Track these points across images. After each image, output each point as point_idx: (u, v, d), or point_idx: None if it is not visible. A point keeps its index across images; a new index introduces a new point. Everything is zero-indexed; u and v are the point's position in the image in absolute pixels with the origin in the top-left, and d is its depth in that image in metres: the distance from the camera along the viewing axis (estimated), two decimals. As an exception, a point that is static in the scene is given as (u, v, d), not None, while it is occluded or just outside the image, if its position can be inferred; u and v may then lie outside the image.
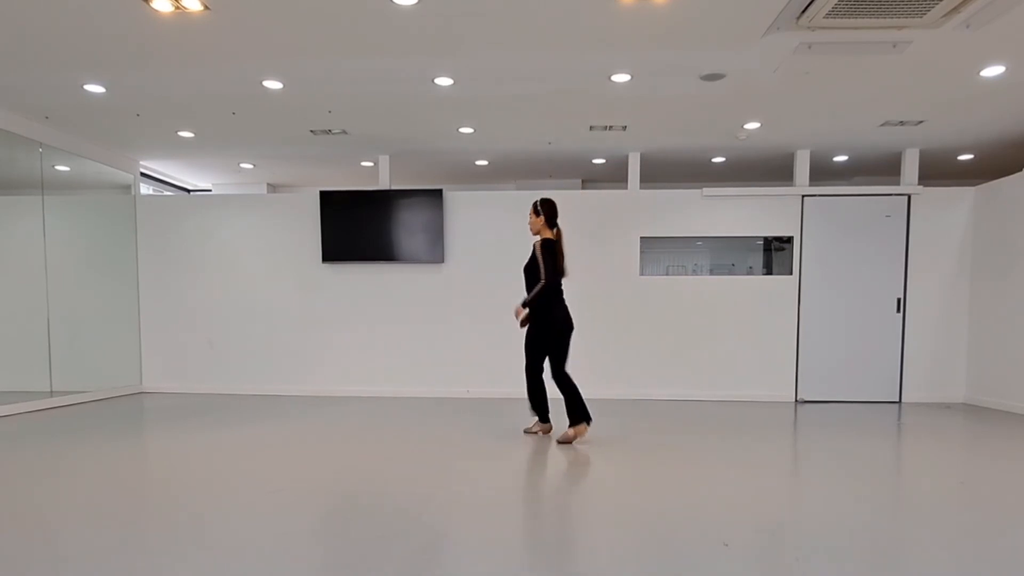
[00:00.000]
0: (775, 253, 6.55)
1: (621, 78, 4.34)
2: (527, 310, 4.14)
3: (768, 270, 6.61)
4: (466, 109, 5.02)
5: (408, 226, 6.28)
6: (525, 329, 4.28)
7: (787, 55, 3.92)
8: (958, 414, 5.51)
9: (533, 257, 4.15)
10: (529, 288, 4.17)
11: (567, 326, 4.12)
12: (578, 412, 4.14)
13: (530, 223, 4.19)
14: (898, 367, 6.18)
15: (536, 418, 4.43)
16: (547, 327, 4.11)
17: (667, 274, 6.55)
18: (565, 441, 4.15)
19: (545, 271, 4.02)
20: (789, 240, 6.26)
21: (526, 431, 4.45)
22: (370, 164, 6.87)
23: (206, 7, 3.33)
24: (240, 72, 4.27)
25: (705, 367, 6.24)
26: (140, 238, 6.63)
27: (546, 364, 4.21)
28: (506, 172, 7.29)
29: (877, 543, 2.41)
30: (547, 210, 4.16)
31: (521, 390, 6.43)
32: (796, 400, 6.21)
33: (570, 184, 7.57)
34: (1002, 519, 2.70)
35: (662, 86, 4.50)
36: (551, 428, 4.41)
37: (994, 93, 4.59)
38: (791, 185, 6.30)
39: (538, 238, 4.16)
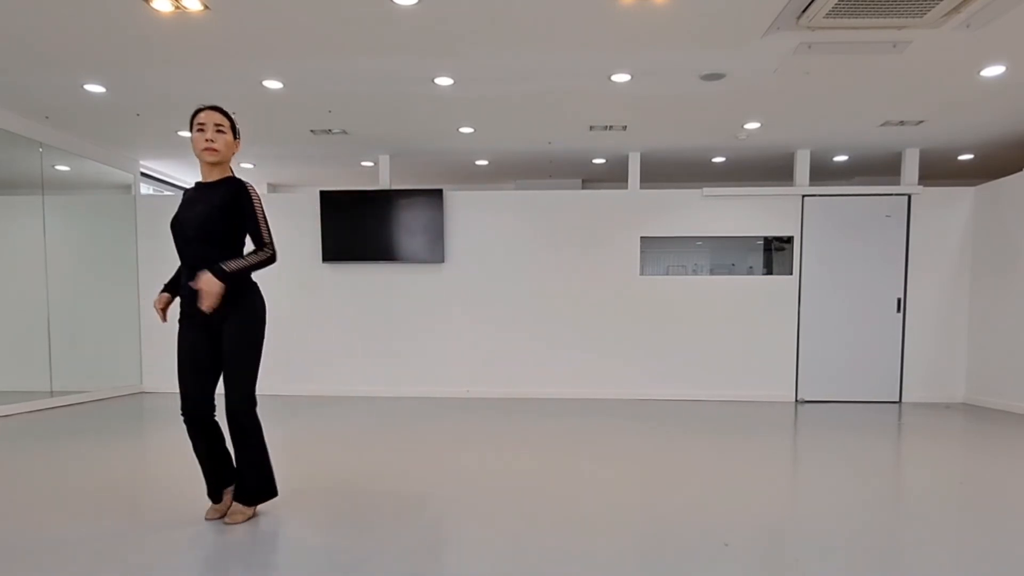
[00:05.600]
0: (775, 253, 6.55)
1: (621, 78, 4.34)
2: (214, 286, 2.37)
3: (768, 270, 6.61)
4: (466, 109, 5.02)
5: (408, 226, 6.28)
6: (203, 336, 2.53)
7: (787, 55, 3.92)
8: (958, 414, 5.51)
9: (226, 208, 2.48)
10: (202, 257, 2.44)
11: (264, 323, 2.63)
12: (269, 477, 2.67)
13: (222, 144, 2.51)
14: (898, 367, 6.18)
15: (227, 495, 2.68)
16: (257, 325, 2.57)
17: (667, 274, 6.55)
18: (240, 519, 2.61)
19: (269, 234, 2.54)
20: (789, 240, 6.26)
21: (209, 517, 2.65)
22: (370, 164, 6.87)
23: (206, 7, 3.33)
24: (240, 72, 4.27)
25: (705, 367, 6.24)
26: (140, 238, 6.63)
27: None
28: (506, 172, 7.29)
29: (877, 543, 2.41)
30: (236, 130, 2.63)
31: (521, 390, 6.51)
32: (796, 400, 6.21)
33: (570, 184, 7.57)
34: (1002, 519, 2.70)
35: (662, 86, 4.50)
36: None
37: (994, 93, 4.59)
38: (791, 185, 6.30)
39: (244, 183, 2.54)
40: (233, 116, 2.61)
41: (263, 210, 2.54)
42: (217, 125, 2.50)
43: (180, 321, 2.56)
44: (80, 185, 6.17)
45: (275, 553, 2.28)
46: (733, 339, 6.22)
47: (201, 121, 2.49)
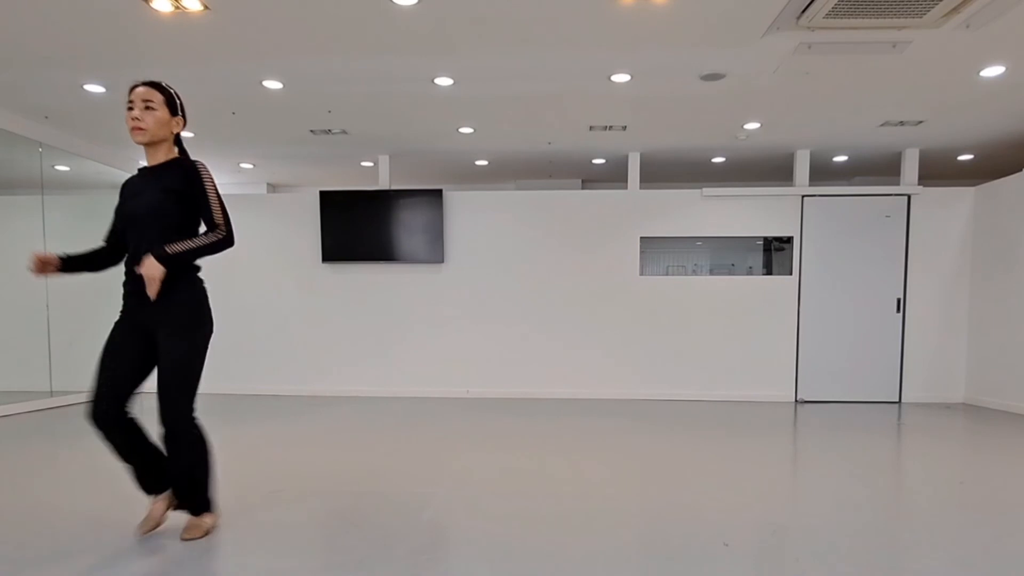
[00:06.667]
0: (775, 253, 6.55)
1: (621, 78, 4.34)
2: (155, 271, 2.16)
3: (768, 270, 6.61)
4: (466, 109, 5.02)
5: (408, 226, 6.28)
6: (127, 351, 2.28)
7: (787, 55, 3.92)
8: (958, 414, 5.51)
9: (179, 193, 2.27)
10: (142, 250, 2.23)
11: (211, 330, 2.39)
12: (207, 487, 2.41)
13: (151, 122, 2.29)
14: (898, 367, 6.18)
15: (164, 498, 2.42)
16: (196, 335, 2.30)
17: (667, 274, 6.56)
18: (197, 535, 2.40)
19: (224, 215, 2.32)
20: (789, 240, 6.26)
21: (147, 529, 2.40)
22: (370, 164, 6.87)
23: (206, 7, 3.34)
24: (240, 72, 4.27)
25: (705, 367, 6.24)
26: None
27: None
28: (506, 172, 7.29)
29: (877, 543, 2.41)
30: (183, 109, 2.41)
31: (520, 390, 6.51)
32: (796, 400, 6.21)
33: (570, 184, 7.57)
34: (1002, 519, 2.70)
35: (662, 86, 4.50)
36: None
37: (994, 93, 4.59)
38: (791, 185, 6.30)
39: (194, 162, 2.33)
40: (173, 91, 2.36)
41: (216, 189, 2.32)
42: (146, 101, 2.27)
43: (120, 317, 2.33)
44: (80, 185, 6.17)
45: (274, 554, 2.27)
46: (733, 339, 6.22)
47: (130, 99, 2.29)
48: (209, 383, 6.47)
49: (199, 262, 2.32)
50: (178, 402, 2.24)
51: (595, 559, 2.22)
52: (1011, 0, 3.20)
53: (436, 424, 4.88)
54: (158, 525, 2.42)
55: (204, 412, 2.41)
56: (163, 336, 2.24)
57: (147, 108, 2.28)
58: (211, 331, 2.37)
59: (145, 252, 2.20)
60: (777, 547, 2.41)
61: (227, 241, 2.30)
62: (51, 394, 5.61)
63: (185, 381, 2.26)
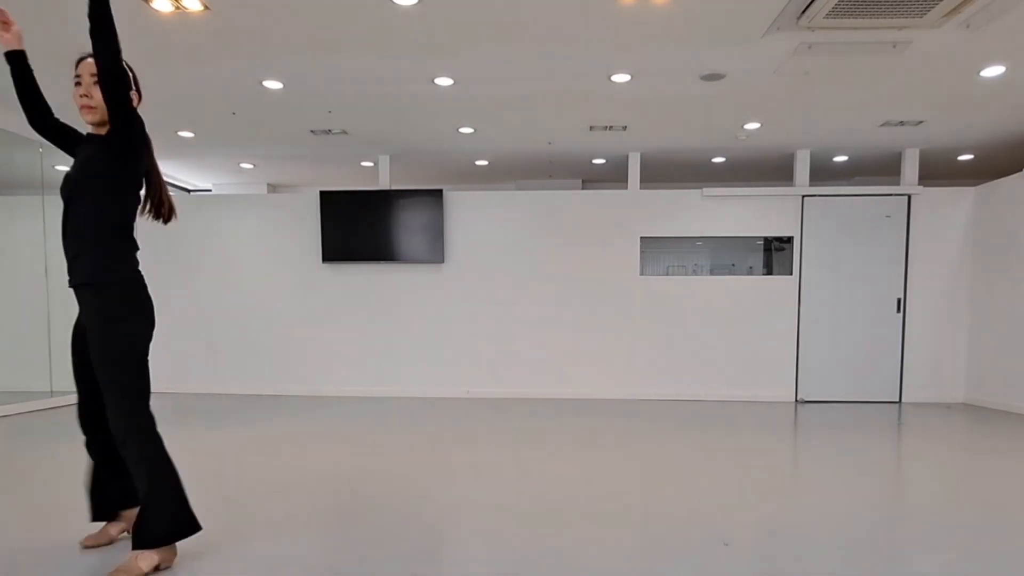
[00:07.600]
0: (775, 253, 6.55)
1: (621, 78, 4.34)
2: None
3: (768, 270, 6.61)
4: (466, 109, 5.02)
5: (408, 226, 6.28)
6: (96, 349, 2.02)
7: (787, 55, 3.92)
8: (958, 414, 5.51)
9: (114, 147, 2.03)
10: (82, 213, 2.02)
11: (152, 324, 2.12)
12: (180, 512, 2.11)
13: (100, 95, 1.98)
14: (898, 367, 6.18)
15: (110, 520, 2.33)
16: (132, 325, 2.05)
17: (667, 274, 6.55)
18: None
19: (126, 111, 2.00)
20: (789, 240, 6.26)
21: (92, 544, 2.29)
22: (370, 164, 6.88)
23: (206, 7, 3.34)
24: (240, 72, 4.27)
25: (705, 367, 6.24)
26: (139, 238, 6.61)
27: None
28: (506, 172, 7.29)
29: (877, 543, 2.41)
30: (138, 82, 2.15)
31: (520, 390, 6.51)
32: (796, 400, 6.21)
33: (570, 184, 7.57)
34: (1002, 519, 2.70)
35: (662, 86, 4.50)
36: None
37: (994, 93, 4.59)
38: (791, 185, 6.30)
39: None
40: (125, 62, 2.02)
41: (143, 131, 2.08)
42: (95, 75, 1.96)
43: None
44: (80, 185, 6.16)
45: (274, 552, 2.27)
46: (733, 339, 6.22)
47: (77, 73, 2.01)
48: (209, 383, 6.52)
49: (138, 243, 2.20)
50: (118, 406, 1.99)
51: (595, 558, 2.22)
52: (1011, 0, 3.20)
53: (436, 424, 4.88)
54: (107, 543, 2.29)
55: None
56: (89, 329, 2.01)
57: (96, 83, 1.98)
58: (144, 325, 2.06)
59: (74, 218, 2.01)
60: (777, 547, 2.41)
61: (117, 85, 1.94)
62: (51, 394, 5.61)
63: (119, 382, 1.98)
